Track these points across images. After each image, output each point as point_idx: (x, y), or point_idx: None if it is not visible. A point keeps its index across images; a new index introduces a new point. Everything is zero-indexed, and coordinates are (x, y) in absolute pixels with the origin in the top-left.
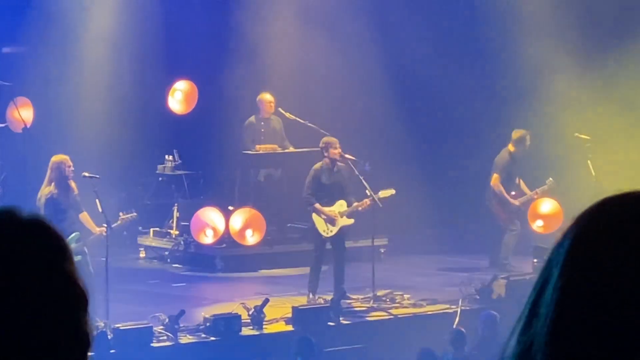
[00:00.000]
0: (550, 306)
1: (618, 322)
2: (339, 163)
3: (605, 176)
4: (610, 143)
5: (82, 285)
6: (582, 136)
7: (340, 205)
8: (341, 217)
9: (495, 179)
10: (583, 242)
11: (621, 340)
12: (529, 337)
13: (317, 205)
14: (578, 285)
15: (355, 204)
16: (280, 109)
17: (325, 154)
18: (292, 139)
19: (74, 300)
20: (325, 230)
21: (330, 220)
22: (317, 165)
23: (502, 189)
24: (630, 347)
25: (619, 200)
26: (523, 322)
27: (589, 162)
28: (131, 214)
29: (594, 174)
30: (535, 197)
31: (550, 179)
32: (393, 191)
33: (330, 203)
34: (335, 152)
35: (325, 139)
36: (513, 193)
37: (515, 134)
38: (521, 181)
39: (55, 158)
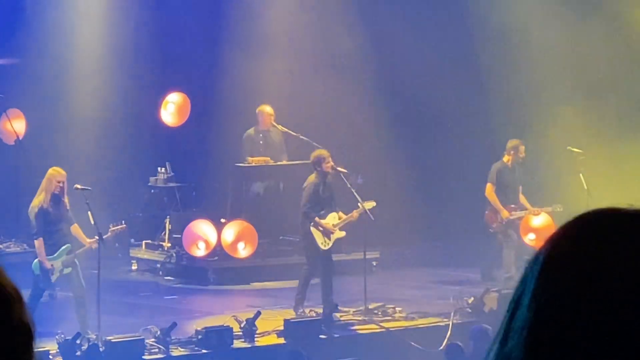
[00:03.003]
0: (525, 322)
1: (590, 338)
2: (329, 176)
3: (598, 189)
4: (603, 156)
5: (10, 284)
6: (575, 150)
7: (333, 218)
8: (335, 229)
9: (488, 188)
10: (556, 258)
11: (594, 355)
12: (505, 352)
13: (317, 219)
14: (550, 301)
15: (346, 216)
16: (272, 122)
17: (318, 168)
18: (285, 151)
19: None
20: (323, 243)
21: (327, 233)
22: (313, 178)
23: (495, 198)
24: None
25: (592, 218)
26: (500, 337)
27: (581, 175)
28: (121, 225)
29: (586, 187)
30: (537, 214)
31: (559, 205)
32: (374, 203)
33: (325, 216)
34: (327, 165)
35: (316, 152)
36: (513, 205)
37: (509, 143)
38: (521, 194)
39: (52, 171)
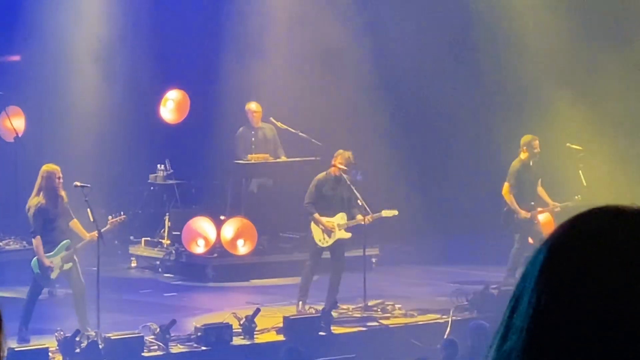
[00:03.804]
0: (525, 320)
1: (591, 335)
2: (345, 175)
3: (597, 186)
4: (602, 153)
5: None
6: (574, 146)
7: (341, 218)
8: (339, 229)
9: (505, 188)
10: (556, 256)
11: (594, 354)
12: (505, 350)
13: (316, 215)
14: (551, 298)
15: (358, 217)
16: (271, 119)
17: (332, 163)
18: (284, 148)
19: None
20: (321, 240)
21: (327, 231)
22: (321, 175)
23: (512, 198)
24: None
25: (594, 215)
26: (500, 335)
27: (580, 172)
28: (120, 217)
29: (585, 184)
30: (557, 210)
31: (579, 196)
32: (396, 212)
33: (331, 214)
34: (336, 163)
35: (340, 150)
36: (532, 203)
37: (523, 139)
38: (542, 191)
39: (45, 167)
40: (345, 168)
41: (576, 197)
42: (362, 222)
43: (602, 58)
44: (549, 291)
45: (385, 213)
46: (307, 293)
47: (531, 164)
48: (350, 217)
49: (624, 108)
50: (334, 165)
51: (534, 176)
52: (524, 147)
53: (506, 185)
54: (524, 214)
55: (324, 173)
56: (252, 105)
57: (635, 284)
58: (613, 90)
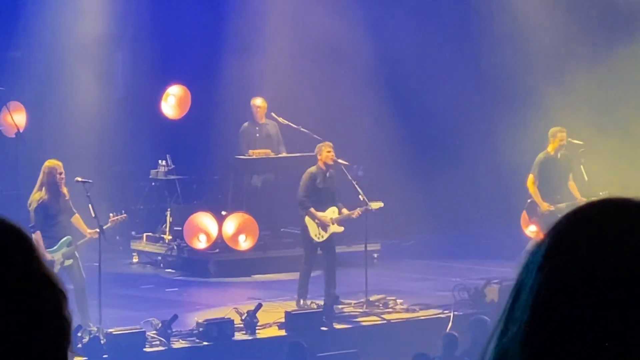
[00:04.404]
0: (525, 311)
1: (591, 327)
2: (331, 169)
3: (598, 181)
4: (604, 148)
5: (56, 281)
6: (575, 141)
7: (333, 212)
8: (333, 223)
9: (529, 179)
10: (558, 247)
11: (593, 346)
12: (505, 342)
13: (312, 210)
14: (551, 290)
15: (347, 212)
16: (273, 114)
17: (319, 158)
18: (285, 143)
19: (53, 300)
20: (317, 235)
21: (323, 226)
22: (312, 168)
23: (535, 190)
24: (601, 352)
25: (595, 207)
26: (500, 327)
27: (581, 167)
28: (121, 215)
29: (586, 178)
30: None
31: (603, 192)
32: (381, 204)
33: (322, 208)
34: (323, 156)
35: (320, 144)
36: (559, 196)
37: (550, 131)
38: (573, 185)
39: (47, 163)
40: (334, 156)
41: (600, 193)
42: (352, 216)
43: (602, 53)
44: (550, 282)
45: (372, 205)
46: (307, 290)
47: (559, 156)
48: (339, 210)
49: (624, 103)
50: (329, 158)
51: (561, 170)
52: (550, 139)
53: (530, 176)
54: (546, 206)
55: (315, 166)
56: (258, 101)
57: (636, 275)
58: (613, 86)
